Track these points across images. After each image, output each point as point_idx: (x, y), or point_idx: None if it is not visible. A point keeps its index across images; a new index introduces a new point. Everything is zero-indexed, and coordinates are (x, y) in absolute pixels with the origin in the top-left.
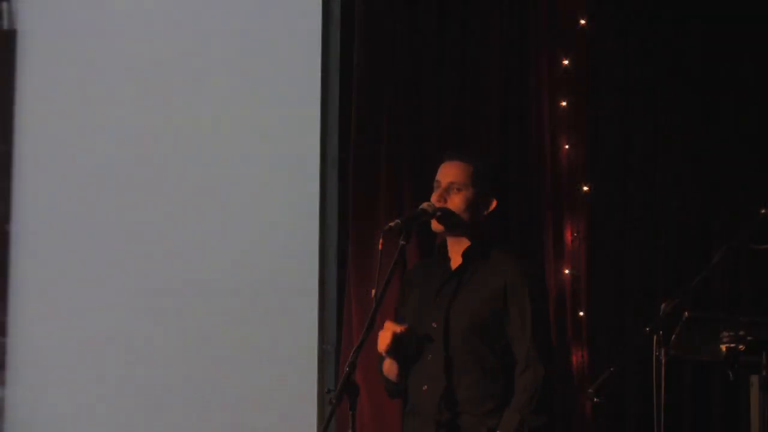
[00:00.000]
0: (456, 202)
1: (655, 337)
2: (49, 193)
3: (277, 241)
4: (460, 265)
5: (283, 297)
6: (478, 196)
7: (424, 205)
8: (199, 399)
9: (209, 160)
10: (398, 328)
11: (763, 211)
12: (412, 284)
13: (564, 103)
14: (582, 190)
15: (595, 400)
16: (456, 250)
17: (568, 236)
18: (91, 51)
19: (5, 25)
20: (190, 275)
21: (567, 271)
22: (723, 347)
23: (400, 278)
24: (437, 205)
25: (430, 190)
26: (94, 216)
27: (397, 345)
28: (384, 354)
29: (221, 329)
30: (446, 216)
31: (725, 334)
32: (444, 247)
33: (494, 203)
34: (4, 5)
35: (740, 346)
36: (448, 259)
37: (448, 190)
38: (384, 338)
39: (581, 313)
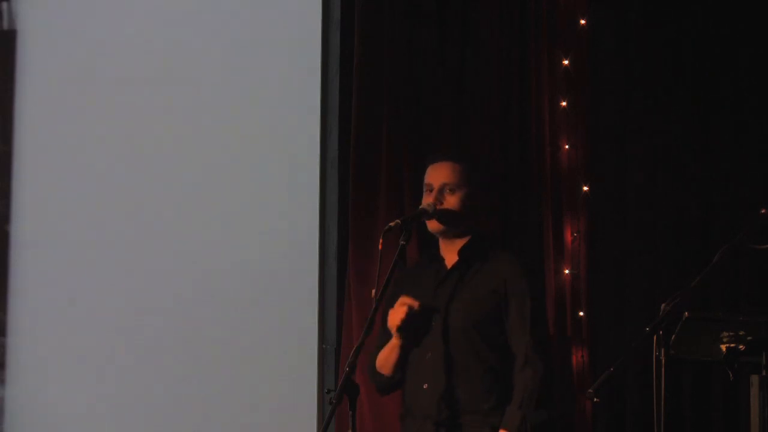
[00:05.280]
0: (452, 203)
1: (655, 337)
2: (48, 193)
3: (277, 241)
4: (456, 263)
5: (283, 297)
6: (473, 194)
7: (424, 205)
8: (199, 399)
9: (209, 160)
10: (415, 303)
11: (763, 211)
12: (404, 285)
13: (564, 103)
14: (582, 190)
15: (595, 400)
16: (450, 249)
17: (568, 236)
18: (91, 51)
19: (5, 25)
20: (190, 275)
21: (567, 271)
22: (723, 347)
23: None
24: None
25: None
26: (94, 216)
27: (410, 322)
28: (395, 331)
29: (221, 329)
30: (447, 216)
31: (725, 334)
32: (435, 247)
33: (488, 198)
34: (4, 5)
35: (740, 346)
36: (441, 258)
37: (441, 191)
38: (398, 313)
39: (581, 313)
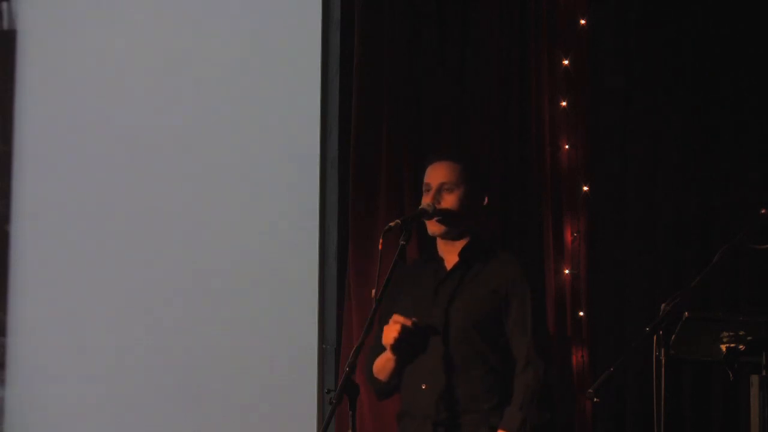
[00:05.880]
0: (450, 202)
1: (655, 337)
2: (48, 193)
3: (277, 241)
4: (457, 264)
5: (283, 297)
6: (471, 194)
7: (424, 205)
8: (199, 399)
9: (209, 160)
10: (407, 321)
11: (763, 211)
12: (404, 284)
13: (564, 103)
14: (582, 190)
15: (595, 400)
16: (450, 250)
17: (568, 236)
18: (90, 51)
19: (5, 25)
20: (190, 275)
21: (567, 271)
22: (723, 347)
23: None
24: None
25: None
26: (94, 216)
27: (404, 340)
28: (389, 348)
29: (221, 329)
30: (446, 215)
31: (725, 334)
32: (434, 247)
33: (486, 199)
34: (4, 5)
35: (740, 346)
36: (440, 259)
37: (440, 191)
38: (391, 331)
39: (581, 313)
